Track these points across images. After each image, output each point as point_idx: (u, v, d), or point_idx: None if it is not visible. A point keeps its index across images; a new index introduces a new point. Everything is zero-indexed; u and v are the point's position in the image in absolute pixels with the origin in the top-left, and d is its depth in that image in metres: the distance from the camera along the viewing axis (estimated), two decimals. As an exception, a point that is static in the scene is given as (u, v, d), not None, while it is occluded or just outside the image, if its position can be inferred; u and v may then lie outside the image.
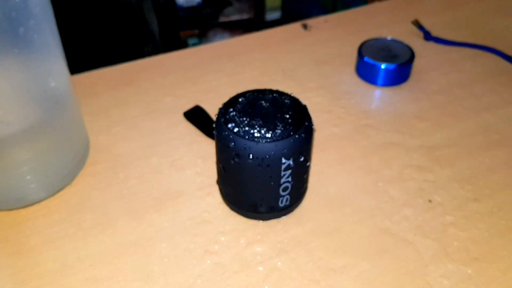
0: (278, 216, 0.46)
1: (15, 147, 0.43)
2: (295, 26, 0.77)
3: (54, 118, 0.46)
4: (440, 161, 0.53)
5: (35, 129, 0.44)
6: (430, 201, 0.49)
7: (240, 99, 0.44)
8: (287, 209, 0.46)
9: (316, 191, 0.49)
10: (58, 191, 0.49)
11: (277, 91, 0.45)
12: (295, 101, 0.44)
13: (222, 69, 0.68)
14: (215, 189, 0.50)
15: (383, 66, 0.63)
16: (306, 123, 0.42)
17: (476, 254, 0.44)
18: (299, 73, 0.67)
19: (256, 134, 0.40)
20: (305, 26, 0.77)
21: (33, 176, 0.46)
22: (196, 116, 0.59)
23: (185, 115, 0.59)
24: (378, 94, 0.63)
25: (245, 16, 2.05)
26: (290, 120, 0.42)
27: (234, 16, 2.03)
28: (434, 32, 0.74)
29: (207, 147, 0.55)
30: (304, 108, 0.43)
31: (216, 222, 0.47)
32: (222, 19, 1.99)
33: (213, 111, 0.60)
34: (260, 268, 0.43)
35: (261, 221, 0.47)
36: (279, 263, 0.43)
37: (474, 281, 0.42)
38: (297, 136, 0.41)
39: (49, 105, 0.45)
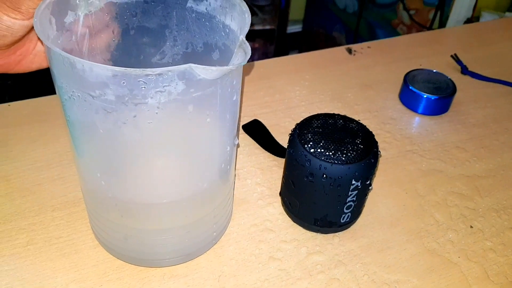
0: (336, 231, 0.51)
1: (177, 213, 0.42)
2: (340, 50, 0.82)
3: (221, 184, 0.45)
4: (480, 191, 0.57)
5: (206, 194, 0.43)
6: (471, 227, 0.53)
7: (313, 121, 0.49)
8: (345, 225, 0.51)
9: (369, 211, 0.54)
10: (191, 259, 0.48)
11: (346, 117, 0.50)
12: (363, 127, 0.48)
13: (274, 85, 0.72)
14: (275, 199, 0.54)
15: (425, 96, 0.67)
16: (374, 149, 0.46)
17: (514, 279, 0.48)
18: (345, 95, 0.71)
19: (331, 156, 0.45)
20: (349, 51, 0.81)
21: (175, 244, 0.45)
22: (254, 129, 0.63)
23: (243, 128, 0.64)
24: (420, 122, 0.68)
25: (267, 26, 2.10)
26: (361, 146, 0.46)
27: (257, 25, 2.08)
28: (469, 67, 0.79)
29: (265, 160, 0.60)
30: (371, 134, 0.48)
31: (278, 231, 0.51)
32: (245, 27, 2.03)
33: (269, 126, 0.64)
34: (321, 277, 0.47)
35: (319, 234, 0.51)
36: (338, 274, 0.47)
37: (513, 304, 0.46)
38: (367, 160, 0.45)
39: (224, 169, 0.44)
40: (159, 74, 0.32)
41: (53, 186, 0.54)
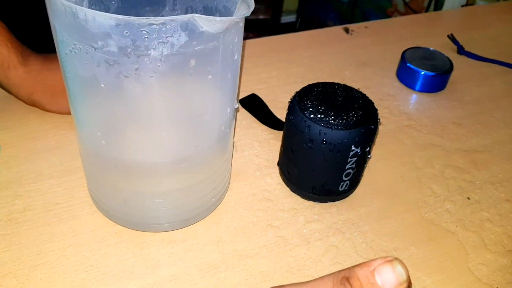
0: (334, 200, 0.51)
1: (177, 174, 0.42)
2: (338, 29, 0.82)
3: (220, 148, 0.44)
4: (476, 164, 0.58)
5: (205, 156, 0.43)
6: (468, 198, 0.53)
7: (313, 89, 0.49)
8: (343, 194, 0.51)
9: (367, 181, 0.54)
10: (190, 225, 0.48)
11: (345, 85, 0.50)
12: (363, 95, 0.48)
13: (271, 63, 0.72)
14: (273, 170, 0.54)
15: (423, 72, 0.67)
16: (375, 116, 0.46)
17: (510, 247, 0.49)
18: (343, 73, 0.71)
19: (331, 122, 0.45)
20: (347, 30, 0.81)
21: (173, 208, 0.45)
22: (251, 103, 0.63)
23: (241, 102, 0.63)
24: (417, 99, 0.68)
25: (261, 16, 2.10)
26: (360, 112, 0.46)
27: (250, 15, 2.07)
28: (466, 47, 0.79)
29: (262, 133, 0.60)
30: (371, 102, 0.48)
31: (275, 200, 0.51)
32: (240, 16, 2.02)
33: (266, 100, 0.64)
34: (319, 244, 0.47)
35: (317, 203, 0.51)
36: (336, 241, 0.48)
37: (510, 270, 0.46)
38: (367, 126, 0.45)
39: (223, 132, 0.43)
40: (162, 24, 0.32)
41: (50, 155, 0.54)
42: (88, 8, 0.44)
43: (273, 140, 0.59)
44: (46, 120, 0.58)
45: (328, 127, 0.45)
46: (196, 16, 0.32)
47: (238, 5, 0.35)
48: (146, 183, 0.42)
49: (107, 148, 0.40)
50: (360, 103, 0.47)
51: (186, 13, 0.47)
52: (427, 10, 1.32)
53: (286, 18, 2.28)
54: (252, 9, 0.34)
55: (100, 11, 0.44)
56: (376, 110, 0.47)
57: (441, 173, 0.56)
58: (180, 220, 0.46)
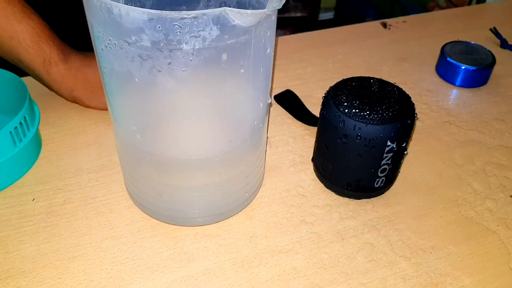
0: (369, 197, 0.50)
1: (211, 169, 0.42)
2: (375, 24, 0.80)
3: (254, 143, 0.44)
4: (520, 162, 0.56)
5: (238, 151, 0.43)
6: (511, 196, 0.51)
7: (348, 84, 0.48)
8: (379, 191, 0.50)
9: (404, 178, 0.53)
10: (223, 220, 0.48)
11: (381, 80, 0.48)
12: (399, 90, 0.47)
13: (307, 59, 0.72)
14: (307, 167, 0.54)
15: (463, 67, 0.65)
16: (412, 111, 0.45)
17: (557, 248, 0.46)
18: (380, 68, 0.70)
19: (366, 116, 0.44)
20: (384, 25, 0.80)
21: (207, 202, 0.45)
22: (286, 99, 0.63)
23: (275, 98, 0.63)
24: (457, 94, 0.66)
25: (299, 14, 2.09)
26: (396, 107, 0.45)
27: (288, 13, 2.06)
28: (510, 41, 0.76)
29: (297, 129, 0.59)
30: (408, 98, 0.47)
31: (310, 196, 0.51)
32: (277, 15, 2.02)
33: (301, 97, 0.63)
34: (353, 241, 0.46)
35: (352, 200, 0.50)
36: (371, 239, 0.47)
37: (556, 272, 0.44)
38: (404, 121, 0.44)
39: (256, 127, 0.43)
40: (194, 18, 0.32)
41: (89, 150, 0.55)
42: (124, 3, 0.45)
43: (307, 136, 0.58)
44: (86, 116, 0.59)
45: (362, 121, 0.44)
46: (227, 9, 0.32)
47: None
48: (180, 177, 0.42)
49: (142, 142, 0.41)
50: (396, 97, 0.46)
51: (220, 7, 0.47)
52: (469, 4, 1.28)
53: (324, 16, 2.26)
54: (284, 1, 0.34)
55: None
56: (413, 104, 0.46)
57: (482, 170, 0.54)
58: (214, 215, 0.46)
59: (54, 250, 0.45)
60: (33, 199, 0.49)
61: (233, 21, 0.33)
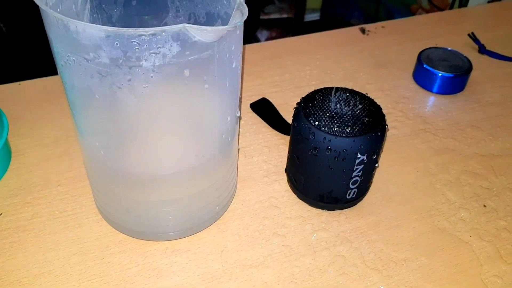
0: (342, 208, 0.50)
1: (180, 183, 0.42)
2: (354, 30, 0.80)
3: (223, 157, 0.44)
4: (495, 170, 0.55)
5: (206, 165, 0.42)
6: (484, 206, 0.51)
7: (318, 95, 0.47)
8: (351, 202, 0.49)
9: (378, 188, 0.52)
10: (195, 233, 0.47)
11: (353, 90, 0.48)
12: (370, 101, 0.47)
13: (284, 65, 0.71)
14: (281, 177, 0.53)
15: (440, 74, 0.65)
16: (382, 123, 0.45)
17: (529, 259, 0.46)
18: (358, 75, 0.70)
19: (335, 129, 0.44)
20: (363, 31, 0.79)
21: (176, 217, 0.44)
22: (262, 108, 0.62)
23: (251, 106, 0.63)
24: (434, 101, 0.66)
25: (284, 15, 2.08)
26: (367, 118, 0.45)
27: (274, 14, 2.06)
28: (488, 46, 0.76)
29: (272, 138, 0.59)
30: (379, 109, 0.46)
31: (283, 207, 0.50)
32: (263, 16, 2.02)
33: (277, 105, 0.63)
34: (325, 254, 0.46)
35: (325, 211, 0.50)
36: (343, 251, 0.46)
37: (527, 284, 0.44)
38: (373, 134, 0.44)
39: (225, 141, 0.43)
40: (153, 34, 0.31)
41: (60, 162, 0.54)
42: (90, 16, 0.44)
43: (282, 146, 0.58)
44: (57, 127, 0.58)
45: (332, 134, 0.43)
46: (187, 26, 0.31)
47: (233, 13, 0.34)
48: (147, 192, 0.42)
49: (106, 159, 0.40)
50: (367, 109, 0.46)
51: (189, 19, 0.47)
52: (451, 6, 1.28)
53: (310, 17, 2.26)
54: (245, 17, 0.33)
55: (102, 19, 0.44)
56: (383, 116, 0.46)
57: (457, 179, 0.54)
58: (184, 229, 0.46)
59: (21, 267, 0.44)
60: (1, 214, 0.48)
61: (194, 37, 0.32)
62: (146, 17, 0.47)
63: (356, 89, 0.67)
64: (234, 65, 0.39)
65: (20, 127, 0.58)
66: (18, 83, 0.66)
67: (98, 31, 0.31)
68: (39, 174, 0.53)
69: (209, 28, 0.32)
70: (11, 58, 0.91)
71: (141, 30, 0.31)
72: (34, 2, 0.33)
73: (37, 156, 0.55)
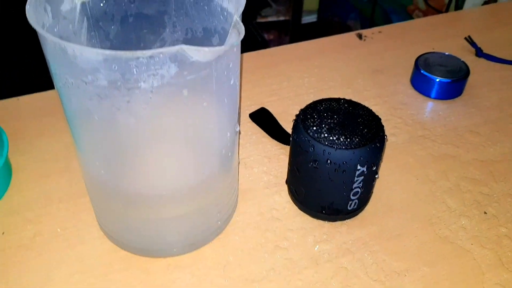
0: (344, 219, 0.50)
1: (180, 201, 0.42)
2: (350, 36, 0.80)
3: (223, 172, 0.44)
4: (495, 176, 0.55)
5: (207, 182, 0.42)
6: (485, 213, 0.51)
7: (317, 106, 0.47)
8: (353, 213, 0.49)
9: (378, 197, 0.52)
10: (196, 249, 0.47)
11: (351, 101, 0.48)
12: (369, 111, 0.47)
13: (282, 73, 0.71)
14: (282, 188, 0.53)
15: (438, 79, 0.65)
16: (381, 133, 0.45)
17: (531, 266, 0.46)
18: (356, 81, 0.70)
19: (335, 141, 0.44)
20: (360, 36, 0.79)
21: (178, 233, 0.45)
22: (261, 117, 0.62)
23: (250, 116, 0.63)
24: (432, 107, 0.66)
25: (281, 17, 2.08)
26: (366, 130, 0.45)
27: (271, 17, 2.06)
28: (485, 49, 0.76)
29: (272, 148, 0.59)
30: (377, 119, 0.46)
31: (284, 219, 0.50)
32: (260, 19, 2.02)
33: (276, 114, 0.63)
34: (328, 266, 0.46)
35: (327, 222, 0.50)
36: (345, 263, 0.46)
37: (529, 291, 0.44)
38: (373, 145, 0.44)
39: (225, 156, 0.43)
40: (150, 57, 0.31)
41: (60, 178, 0.54)
42: (87, 34, 0.44)
43: (282, 156, 0.58)
44: (57, 142, 0.58)
45: (332, 146, 0.43)
46: (184, 47, 0.31)
47: (229, 31, 0.34)
48: (148, 210, 0.42)
49: (106, 178, 0.40)
50: (366, 119, 0.46)
51: (186, 34, 0.47)
52: (448, 6, 1.28)
53: (307, 19, 2.26)
54: (242, 36, 0.33)
55: (100, 36, 0.44)
56: (382, 126, 0.46)
57: (457, 186, 0.54)
58: (186, 245, 0.46)
59: (24, 286, 0.44)
60: (3, 233, 0.48)
61: (192, 57, 0.32)
62: (144, 31, 0.47)
63: (354, 95, 0.67)
64: (232, 82, 0.39)
65: (19, 143, 0.58)
66: (16, 98, 0.66)
67: (95, 54, 0.31)
68: (40, 190, 0.53)
69: (206, 48, 0.32)
70: (8, 71, 0.91)
71: (139, 53, 0.31)
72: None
73: (37, 172, 0.55)
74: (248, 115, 0.63)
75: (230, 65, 0.37)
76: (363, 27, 1.85)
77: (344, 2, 1.95)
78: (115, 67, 0.32)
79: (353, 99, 0.49)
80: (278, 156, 0.58)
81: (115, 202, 0.42)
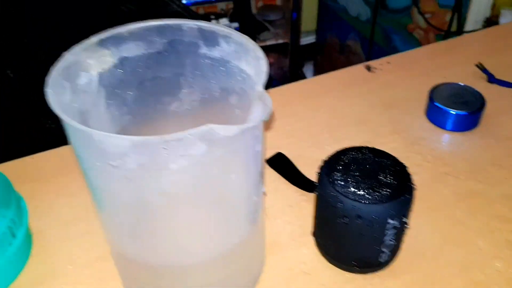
0: (376, 270, 0.48)
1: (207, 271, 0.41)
2: (359, 68, 0.80)
3: (252, 234, 0.43)
4: (523, 211, 0.54)
5: (235, 249, 0.41)
6: (518, 252, 0.50)
7: (341, 157, 0.47)
8: (385, 264, 0.48)
9: (408, 244, 0.51)
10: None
11: (375, 149, 0.47)
12: (394, 160, 0.46)
13: (294, 113, 0.71)
14: (308, 239, 0.52)
15: (454, 112, 0.64)
16: (409, 184, 0.44)
17: None
18: (369, 117, 0.69)
19: (364, 196, 0.43)
20: (368, 68, 0.79)
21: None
22: (278, 163, 0.61)
23: (267, 162, 0.62)
24: (450, 139, 0.65)
25: (280, 40, 2.09)
26: (394, 182, 0.44)
27: (270, 40, 2.07)
28: (496, 74, 0.75)
29: (292, 195, 0.58)
30: (404, 168, 0.46)
31: (314, 274, 0.49)
32: (258, 43, 2.03)
33: (293, 158, 0.62)
34: (363, 321, 0.45)
35: (358, 275, 0.49)
36: (381, 316, 0.45)
37: None
38: (402, 197, 0.43)
39: (252, 220, 0.42)
40: (179, 139, 0.31)
41: (82, 241, 0.53)
42: (106, 101, 0.44)
43: (304, 203, 0.57)
44: (76, 204, 0.58)
45: (361, 201, 0.42)
46: (213, 126, 0.31)
47: (254, 103, 0.34)
48: (176, 282, 0.41)
49: (134, 252, 0.39)
50: (392, 170, 0.45)
51: (203, 94, 0.46)
52: (450, 24, 1.29)
53: (306, 40, 2.27)
54: (270, 108, 0.33)
55: (117, 104, 0.44)
56: (409, 175, 0.45)
57: (486, 225, 0.53)
58: (216, 310, 0.45)
59: None
60: (27, 306, 0.47)
61: (219, 134, 0.32)
62: (160, 94, 0.47)
63: (371, 133, 0.66)
64: (257, 149, 0.38)
65: (37, 206, 0.57)
66: (30, 156, 0.65)
67: (123, 140, 0.30)
68: (62, 257, 0.52)
69: (234, 127, 0.31)
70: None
71: (167, 137, 0.30)
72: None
73: (58, 237, 0.54)
74: (265, 161, 0.62)
75: (256, 133, 0.37)
76: (363, 46, 1.86)
77: (342, 22, 1.96)
78: (144, 151, 0.31)
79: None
80: (300, 204, 0.57)
81: (141, 273, 0.41)
